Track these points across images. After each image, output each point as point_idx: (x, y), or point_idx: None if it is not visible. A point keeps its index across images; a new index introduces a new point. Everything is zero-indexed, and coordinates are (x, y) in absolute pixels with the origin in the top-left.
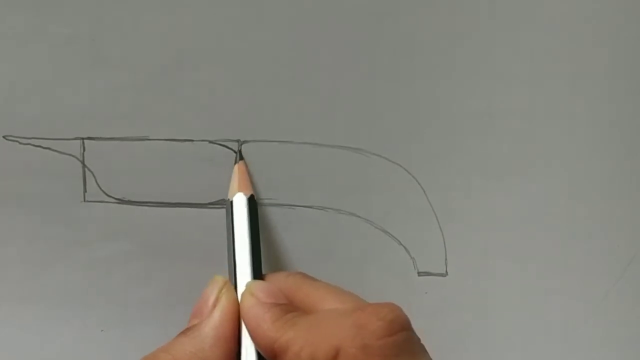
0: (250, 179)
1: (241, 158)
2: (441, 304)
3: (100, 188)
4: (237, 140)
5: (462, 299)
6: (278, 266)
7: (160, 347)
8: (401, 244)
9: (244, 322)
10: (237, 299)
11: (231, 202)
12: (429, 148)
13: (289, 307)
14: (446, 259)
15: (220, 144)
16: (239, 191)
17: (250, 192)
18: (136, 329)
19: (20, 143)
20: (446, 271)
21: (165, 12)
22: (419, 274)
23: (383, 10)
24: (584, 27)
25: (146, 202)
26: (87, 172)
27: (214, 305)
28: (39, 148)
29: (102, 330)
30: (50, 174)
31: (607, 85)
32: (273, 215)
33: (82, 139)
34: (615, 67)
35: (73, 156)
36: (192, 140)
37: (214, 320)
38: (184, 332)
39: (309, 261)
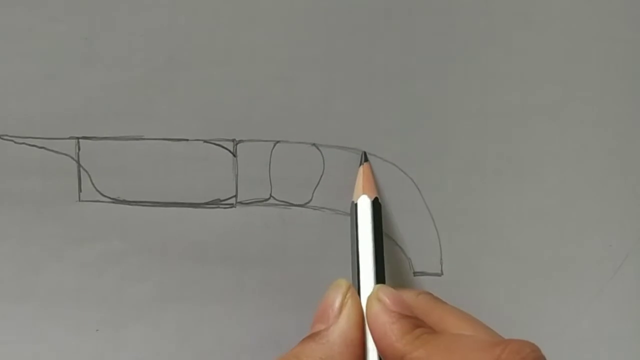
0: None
1: (366, 160)
2: None
3: (95, 187)
4: (232, 140)
5: (458, 299)
6: (276, 265)
7: (289, 352)
8: (397, 244)
9: (370, 327)
10: (362, 304)
11: (355, 205)
12: (425, 148)
13: (418, 322)
14: (441, 259)
15: (215, 144)
16: (363, 193)
17: (374, 195)
18: (131, 328)
19: (15, 142)
20: (441, 271)
21: (159, 11)
22: (415, 274)
23: (377, 10)
24: (577, 27)
25: (141, 202)
26: (82, 172)
27: (340, 310)
28: (34, 147)
29: (96, 330)
30: (45, 174)
31: (600, 85)
32: (269, 215)
33: (77, 138)
34: (608, 67)
35: (68, 156)
36: (187, 140)
37: (342, 326)
38: (312, 337)
39: (305, 261)
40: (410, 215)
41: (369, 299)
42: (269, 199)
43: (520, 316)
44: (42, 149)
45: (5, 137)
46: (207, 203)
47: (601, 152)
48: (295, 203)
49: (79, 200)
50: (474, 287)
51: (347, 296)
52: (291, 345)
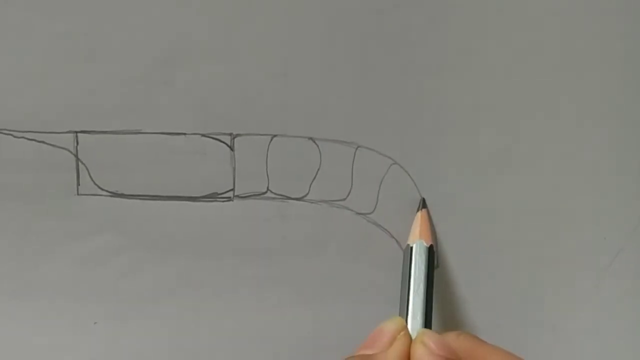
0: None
1: (424, 206)
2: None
3: (94, 181)
4: (230, 134)
5: (453, 291)
6: (273, 258)
7: None
8: (392, 237)
9: None
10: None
11: (411, 248)
12: (420, 142)
13: None
14: (437, 252)
15: (213, 138)
16: (420, 238)
17: (430, 242)
18: (128, 322)
19: (13, 136)
20: (437, 264)
21: (158, 6)
22: None
23: (375, 5)
24: (572, 23)
25: (139, 196)
26: (81, 166)
27: (392, 342)
28: (32, 141)
29: (95, 323)
30: (43, 168)
31: (594, 80)
32: (266, 208)
33: (76, 132)
34: (602, 63)
35: (66, 149)
36: (185, 134)
37: (393, 355)
38: (359, 357)
39: (302, 254)
40: (406, 208)
41: (414, 341)
42: (266, 192)
43: (515, 309)
44: (41, 143)
45: (3, 131)
46: (204, 197)
47: (596, 146)
48: (292, 196)
49: (78, 194)
50: (470, 281)
51: (401, 334)
52: (289, 340)
